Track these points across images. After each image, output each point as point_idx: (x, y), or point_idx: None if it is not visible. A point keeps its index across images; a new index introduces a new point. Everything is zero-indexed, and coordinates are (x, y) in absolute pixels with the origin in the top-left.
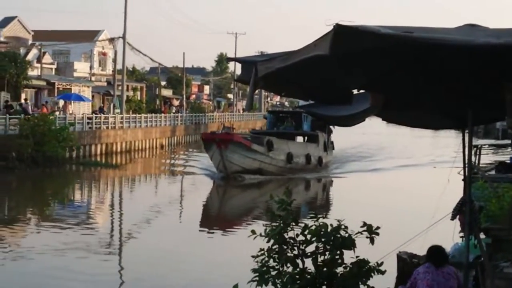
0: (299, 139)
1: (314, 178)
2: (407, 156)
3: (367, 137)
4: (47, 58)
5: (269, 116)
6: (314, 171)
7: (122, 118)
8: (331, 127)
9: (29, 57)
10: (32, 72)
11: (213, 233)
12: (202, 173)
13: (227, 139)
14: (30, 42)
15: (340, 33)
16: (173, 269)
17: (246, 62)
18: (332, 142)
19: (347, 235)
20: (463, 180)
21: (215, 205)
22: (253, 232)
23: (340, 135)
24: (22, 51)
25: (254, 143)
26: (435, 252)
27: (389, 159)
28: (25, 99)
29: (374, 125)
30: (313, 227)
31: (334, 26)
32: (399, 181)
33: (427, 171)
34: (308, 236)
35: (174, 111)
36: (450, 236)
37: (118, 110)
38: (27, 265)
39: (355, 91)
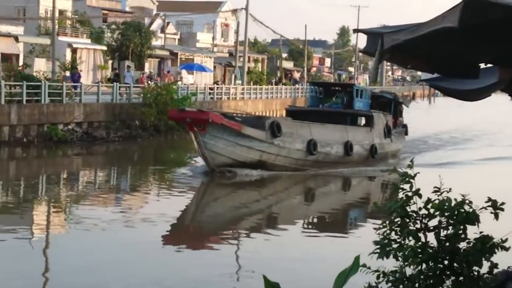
0: (362, 120)
1: (355, 174)
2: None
3: (483, 115)
4: (170, 29)
5: (312, 89)
6: (360, 164)
7: (243, 89)
8: (404, 106)
9: (153, 27)
10: (155, 42)
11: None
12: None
13: (201, 120)
14: (154, 12)
15: (471, 5)
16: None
17: (372, 34)
18: (404, 125)
19: (471, 210)
20: None
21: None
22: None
23: (446, 114)
24: (146, 21)
25: (249, 126)
26: None
27: (487, 148)
28: (128, 66)
29: (497, 101)
30: (437, 201)
31: None
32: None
33: None
34: (431, 210)
35: (273, 80)
36: None
37: (239, 81)
38: (150, 230)
39: (482, 65)
